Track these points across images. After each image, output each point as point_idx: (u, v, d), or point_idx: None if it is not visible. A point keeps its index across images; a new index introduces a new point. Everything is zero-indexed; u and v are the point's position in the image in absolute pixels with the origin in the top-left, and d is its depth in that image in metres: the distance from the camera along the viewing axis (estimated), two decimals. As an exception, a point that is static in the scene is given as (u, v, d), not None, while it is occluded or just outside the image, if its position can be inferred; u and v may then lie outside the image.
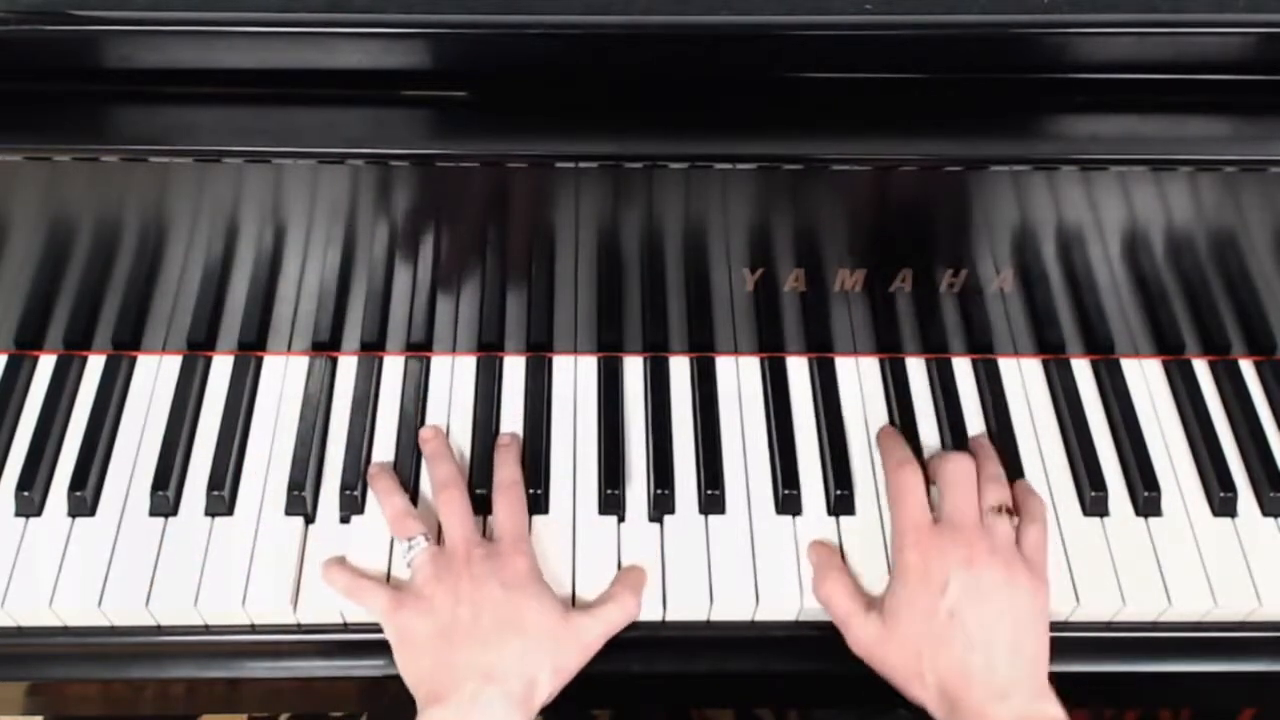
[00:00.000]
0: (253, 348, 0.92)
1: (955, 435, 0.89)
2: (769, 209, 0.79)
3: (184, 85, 0.75)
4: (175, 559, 0.81)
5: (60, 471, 0.86)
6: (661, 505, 0.84)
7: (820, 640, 0.81)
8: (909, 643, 0.74)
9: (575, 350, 0.92)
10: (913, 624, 0.74)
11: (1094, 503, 0.85)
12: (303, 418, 0.89)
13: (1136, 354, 0.94)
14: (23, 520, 0.83)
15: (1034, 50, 0.76)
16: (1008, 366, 0.93)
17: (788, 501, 0.84)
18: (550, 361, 0.92)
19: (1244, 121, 0.77)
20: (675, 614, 0.81)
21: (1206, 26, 0.74)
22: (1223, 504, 0.85)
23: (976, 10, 0.73)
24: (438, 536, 0.81)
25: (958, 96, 0.77)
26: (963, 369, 0.93)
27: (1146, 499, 0.85)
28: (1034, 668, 0.73)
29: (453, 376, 0.92)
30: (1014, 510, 0.79)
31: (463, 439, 0.88)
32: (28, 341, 0.91)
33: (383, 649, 0.77)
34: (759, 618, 0.81)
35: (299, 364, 0.92)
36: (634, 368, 0.92)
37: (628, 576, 0.80)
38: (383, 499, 0.83)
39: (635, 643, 0.81)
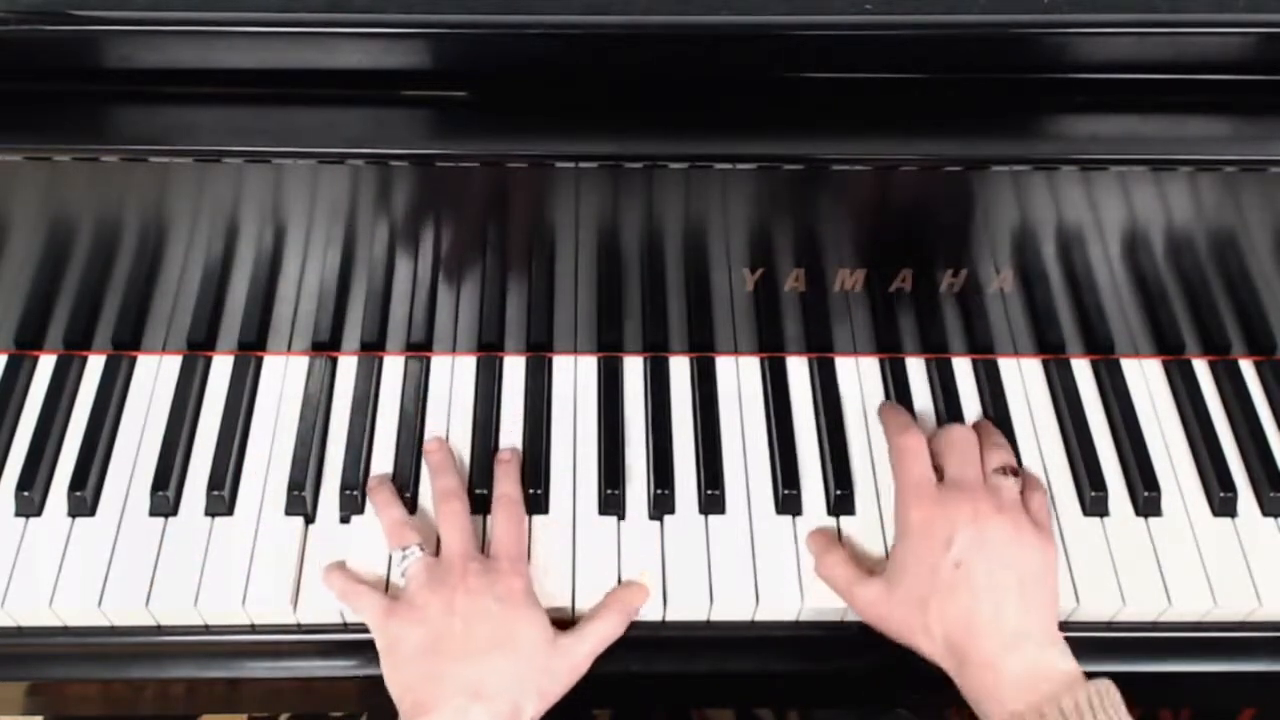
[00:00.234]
0: (253, 348, 0.92)
1: (955, 435, 0.89)
2: (769, 209, 0.79)
3: (184, 85, 0.75)
4: (175, 559, 0.81)
5: (60, 471, 0.86)
6: (661, 505, 0.84)
7: (820, 640, 0.82)
8: (915, 597, 0.73)
9: (575, 350, 0.92)
10: (918, 578, 0.73)
11: (1094, 503, 0.85)
12: (303, 418, 0.89)
13: (1136, 354, 0.94)
14: (23, 520, 0.83)
15: (1034, 50, 0.76)
16: (1008, 366, 0.93)
17: (788, 501, 0.84)
18: (550, 361, 0.92)
19: (1244, 121, 0.77)
20: (675, 614, 0.81)
21: (1206, 26, 0.74)
22: (1223, 504, 0.85)
23: (976, 10, 0.73)
24: (436, 549, 0.81)
25: (958, 96, 0.77)
26: (963, 369, 0.93)
27: (1146, 499, 0.85)
28: (1043, 618, 0.73)
29: (453, 376, 0.92)
30: (1018, 473, 0.79)
31: (463, 439, 0.88)
32: (28, 341, 0.91)
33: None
34: (759, 618, 0.81)
35: (299, 364, 0.92)
36: (634, 368, 0.92)
37: (621, 594, 0.80)
38: (380, 510, 0.83)
39: (635, 643, 0.81)
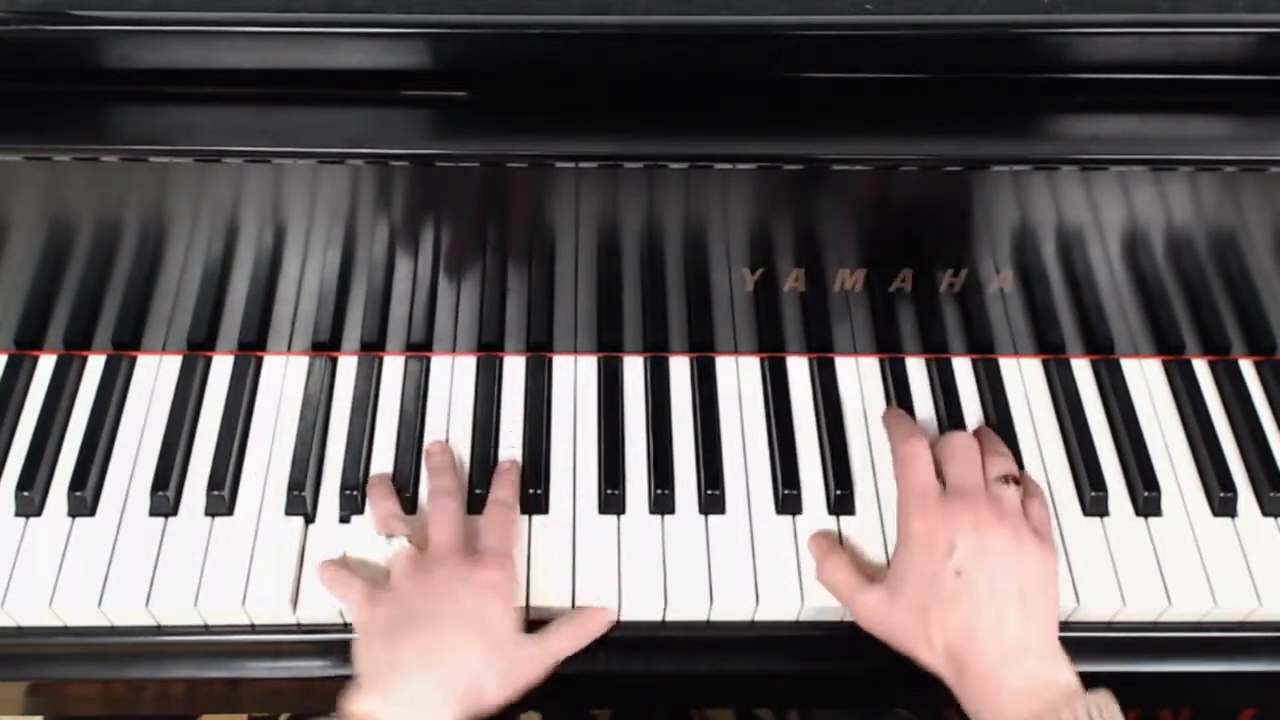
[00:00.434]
0: (253, 348, 0.92)
1: (955, 435, 0.89)
2: (769, 209, 0.79)
3: (184, 85, 0.75)
4: (175, 559, 0.81)
5: (60, 471, 0.86)
6: (661, 505, 0.84)
7: (820, 640, 0.82)
8: (916, 606, 0.73)
9: (575, 350, 0.92)
10: (920, 587, 0.73)
11: (1094, 503, 0.85)
12: (303, 418, 0.89)
13: (1136, 354, 0.94)
14: (23, 520, 0.83)
15: (1034, 50, 0.76)
16: (1008, 366, 0.93)
17: (788, 501, 0.84)
18: (550, 361, 0.92)
19: (1244, 121, 0.77)
20: (675, 614, 0.81)
21: (1206, 26, 0.74)
22: (1223, 504, 0.85)
23: (976, 10, 0.73)
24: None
25: (958, 96, 0.77)
26: (963, 369, 0.93)
27: (1146, 499, 0.85)
28: (1044, 629, 0.73)
29: (453, 376, 0.92)
30: (1020, 481, 0.79)
31: (463, 439, 0.88)
32: (28, 341, 0.91)
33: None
34: (759, 618, 0.81)
35: (299, 364, 0.92)
36: (634, 368, 0.92)
37: (582, 619, 0.79)
38: (374, 502, 0.83)
39: (635, 643, 0.81)
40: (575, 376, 0.92)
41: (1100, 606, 0.81)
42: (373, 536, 0.82)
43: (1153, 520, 0.85)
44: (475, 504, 0.84)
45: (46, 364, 0.91)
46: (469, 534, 0.81)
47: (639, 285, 0.86)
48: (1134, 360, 0.94)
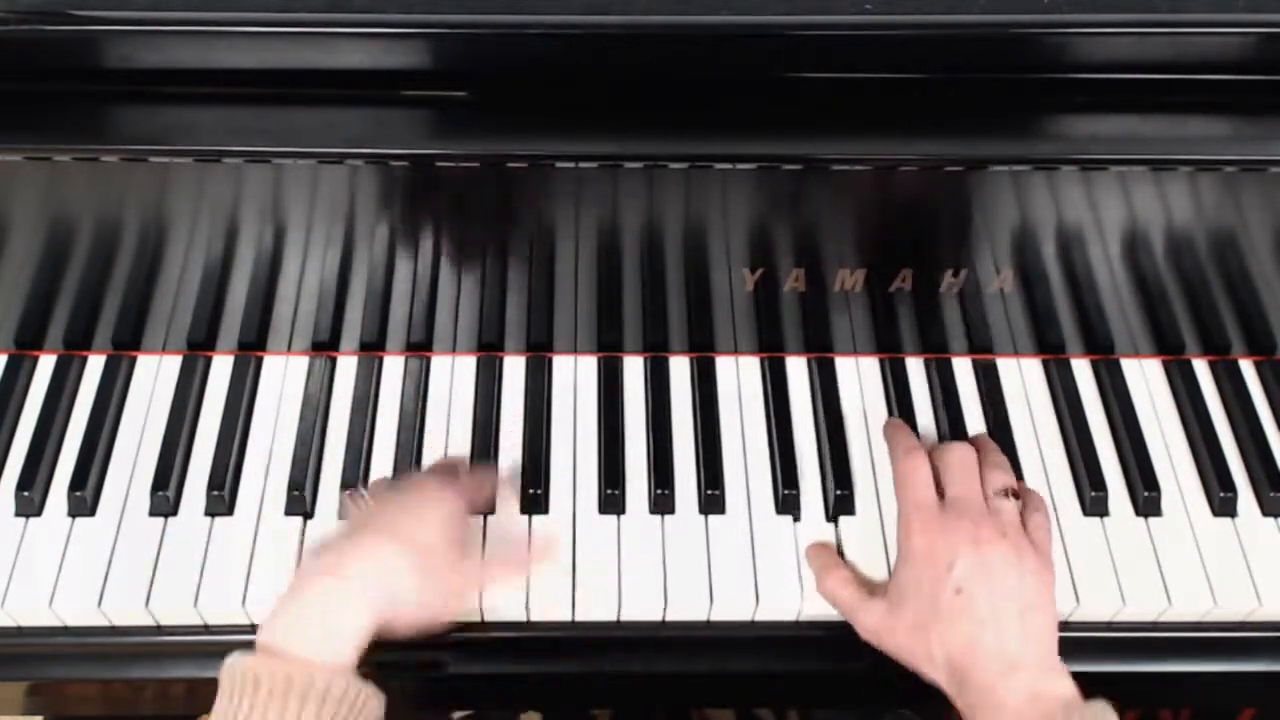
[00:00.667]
0: (253, 348, 0.92)
1: (955, 435, 0.89)
2: (769, 209, 0.79)
3: (184, 85, 0.75)
4: (175, 559, 0.81)
5: (60, 471, 0.86)
6: (661, 505, 0.84)
7: (820, 640, 0.81)
8: (917, 622, 0.73)
9: (575, 350, 0.92)
10: (920, 603, 0.73)
11: (1094, 503, 0.85)
12: (303, 418, 0.89)
13: (1136, 354, 0.94)
14: (23, 520, 0.83)
15: (1034, 50, 0.76)
16: (1008, 366, 0.93)
17: (788, 501, 0.84)
18: (550, 361, 0.92)
19: (1244, 121, 0.77)
20: (675, 614, 0.81)
21: (1206, 26, 0.74)
22: (1223, 504, 0.85)
23: (976, 10, 0.73)
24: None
25: (958, 96, 0.77)
26: (963, 369, 0.93)
27: (1146, 499, 0.85)
28: (1044, 643, 0.73)
29: (453, 376, 0.92)
30: (1019, 494, 0.79)
31: (463, 439, 0.88)
32: (28, 341, 0.91)
33: (381, 646, 0.77)
34: (759, 618, 0.81)
35: (299, 364, 0.92)
36: (634, 368, 0.92)
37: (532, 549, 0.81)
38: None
39: (635, 643, 0.81)
40: (575, 376, 0.92)
41: (1100, 606, 0.81)
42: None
43: (1153, 520, 0.85)
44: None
45: (46, 364, 0.91)
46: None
47: (639, 285, 0.86)
48: (1134, 360, 0.94)
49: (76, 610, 0.79)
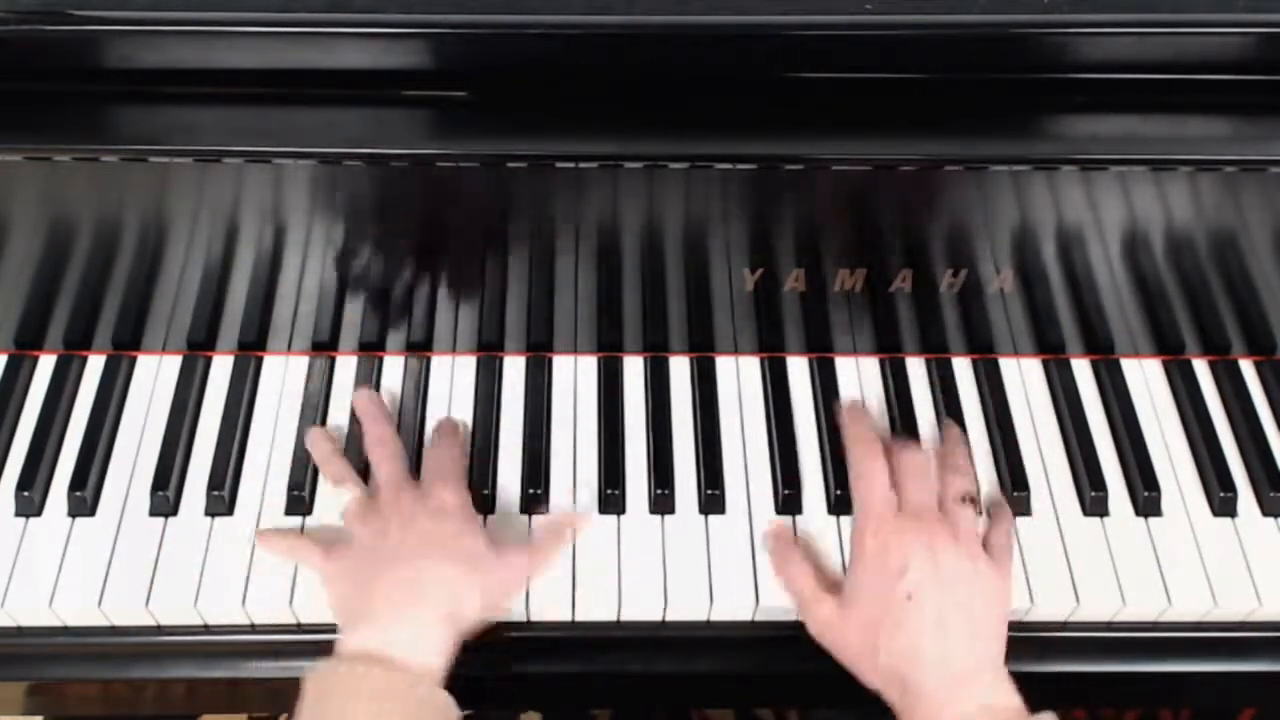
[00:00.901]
0: (253, 348, 0.92)
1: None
2: (769, 209, 0.79)
3: (184, 85, 0.75)
4: (175, 559, 0.81)
5: (60, 471, 0.86)
6: (661, 505, 0.84)
7: (820, 640, 0.81)
8: (865, 624, 0.73)
9: (575, 350, 0.92)
10: (870, 606, 0.73)
11: (1094, 503, 0.85)
12: (303, 418, 0.89)
13: (1136, 354, 0.94)
14: (23, 520, 0.83)
15: (1034, 50, 0.76)
16: (1008, 366, 0.93)
17: (788, 501, 0.84)
18: (550, 361, 0.92)
19: (1244, 121, 0.77)
20: (675, 614, 0.81)
21: (1206, 26, 0.74)
22: (1223, 504, 0.85)
23: (976, 10, 0.73)
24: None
25: (958, 96, 0.77)
26: (963, 369, 0.93)
27: (1146, 499, 0.85)
28: (991, 654, 0.73)
29: (453, 376, 0.92)
30: (977, 501, 0.79)
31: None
32: (28, 341, 0.91)
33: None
34: (759, 618, 0.81)
35: (299, 364, 0.92)
36: (634, 368, 0.92)
37: (555, 522, 0.82)
38: (323, 465, 0.83)
39: (635, 643, 0.81)
40: (575, 376, 0.92)
41: (1100, 606, 0.81)
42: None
43: (1153, 520, 0.85)
44: (479, 504, 0.83)
45: (46, 364, 0.91)
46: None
47: (639, 285, 0.86)
48: (1134, 360, 0.94)
49: (76, 610, 0.79)
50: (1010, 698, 0.70)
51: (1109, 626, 0.82)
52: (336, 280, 0.85)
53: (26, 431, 0.87)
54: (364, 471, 0.86)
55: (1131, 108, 0.77)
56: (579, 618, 0.80)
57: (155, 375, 0.91)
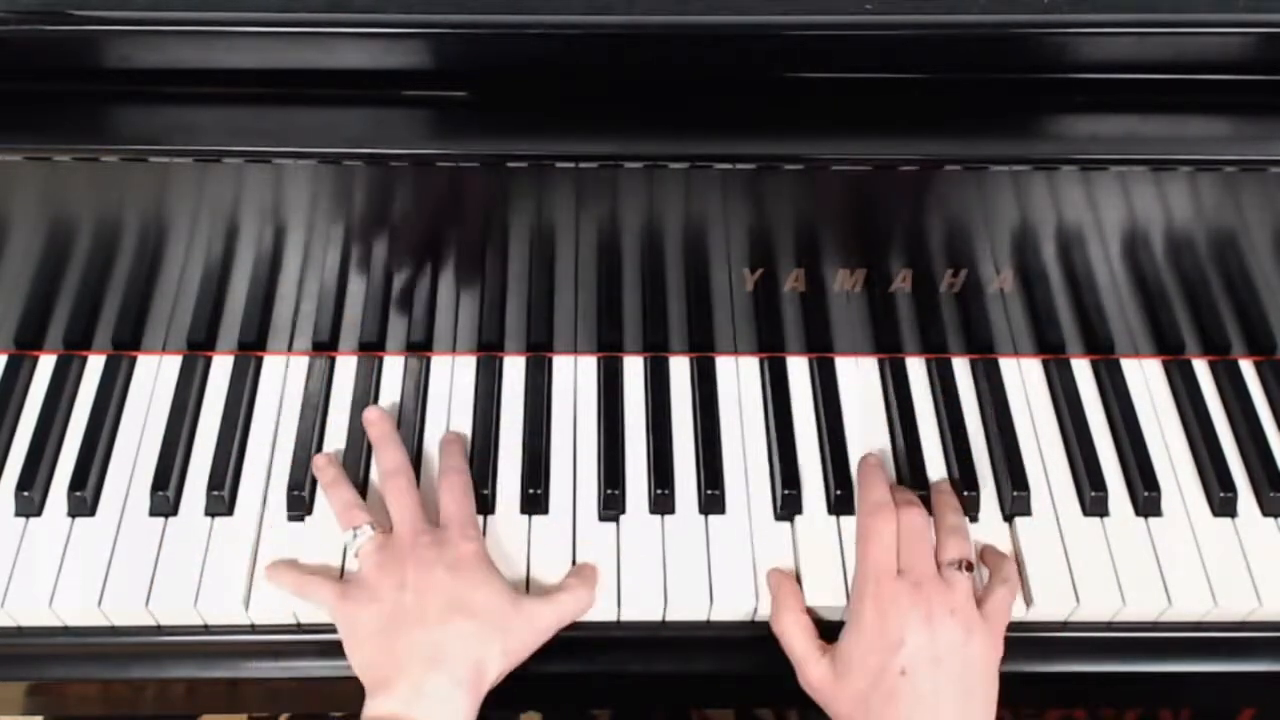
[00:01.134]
0: (253, 348, 0.92)
1: (955, 435, 0.89)
2: (769, 209, 0.79)
3: (184, 85, 0.75)
4: (175, 559, 0.81)
5: (60, 471, 0.86)
6: (661, 505, 0.84)
7: (820, 640, 0.81)
8: (858, 693, 0.73)
9: (575, 350, 0.92)
10: (864, 675, 0.73)
11: (1094, 503, 0.85)
12: (303, 418, 0.89)
13: (1136, 354, 0.94)
14: (23, 520, 0.83)
15: (1034, 50, 0.76)
16: (1008, 366, 0.93)
17: (788, 501, 0.84)
18: (550, 361, 0.92)
19: (1244, 121, 0.77)
20: (675, 614, 0.81)
21: (1206, 26, 0.74)
22: (1223, 504, 0.85)
23: (976, 10, 0.73)
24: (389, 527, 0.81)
25: (958, 96, 0.77)
26: (963, 369, 0.93)
27: (1146, 499, 0.85)
28: None
29: (453, 376, 0.92)
30: (972, 565, 0.78)
31: (463, 439, 0.88)
32: (28, 341, 0.91)
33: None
34: (759, 617, 0.81)
35: (299, 364, 0.92)
36: (634, 368, 0.92)
37: (583, 570, 0.81)
38: (329, 491, 0.83)
39: (635, 643, 0.81)
40: (575, 376, 0.92)
41: (1100, 606, 0.81)
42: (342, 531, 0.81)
43: (1153, 520, 0.85)
44: (481, 504, 0.84)
45: (46, 364, 0.91)
46: (428, 504, 0.81)
47: (639, 285, 0.86)
48: (1134, 360, 0.94)
49: (76, 610, 0.79)
50: None
51: (1109, 626, 0.82)
52: (336, 280, 0.85)
53: (26, 431, 0.87)
54: (364, 469, 0.86)
55: (1131, 108, 0.77)
56: (579, 618, 0.80)
57: (155, 375, 0.91)
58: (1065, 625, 0.82)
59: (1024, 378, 0.93)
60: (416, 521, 0.79)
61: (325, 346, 0.92)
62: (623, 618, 0.80)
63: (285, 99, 0.76)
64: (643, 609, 0.80)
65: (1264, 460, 0.88)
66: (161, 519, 0.83)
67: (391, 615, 0.74)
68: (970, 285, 0.85)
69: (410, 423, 0.89)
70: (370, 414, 0.87)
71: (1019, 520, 0.84)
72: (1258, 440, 0.89)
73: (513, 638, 0.75)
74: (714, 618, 0.81)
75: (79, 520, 0.83)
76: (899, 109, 0.76)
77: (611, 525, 0.84)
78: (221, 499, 0.83)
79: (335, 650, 0.81)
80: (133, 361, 0.92)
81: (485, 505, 0.84)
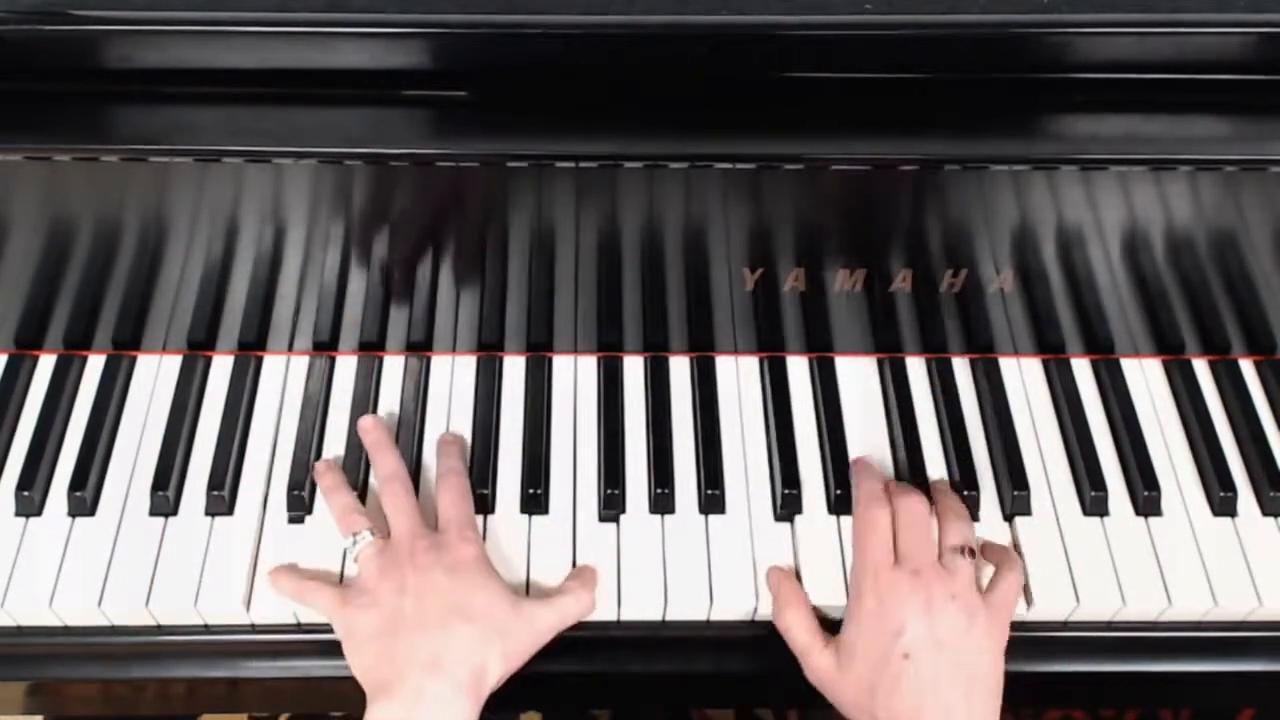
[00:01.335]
0: (253, 347, 0.92)
1: (955, 435, 0.89)
2: (769, 209, 0.79)
3: (184, 85, 0.75)
4: (175, 559, 0.81)
5: (60, 471, 0.86)
6: (661, 505, 0.84)
7: (820, 640, 0.81)
8: (862, 681, 0.73)
9: (575, 350, 0.92)
10: (867, 664, 0.73)
11: (1094, 503, 0.85)
12: (303, 417, 0.89)
13: (1136, 354, 0.94)
14: (23, 520, 0.83)
15: (1034, 50, 0.76)
16: (1008, 366, 0.93)
17: (788, 501, 0.84)
18: (550, 361, 0.92)
19: (1244, 121, 0.77)
20: (675, 614, 0.81)
21: (1206, 26, 0.74)
22: (1223, 504, 0.85)
23: (976, 10, 0.73)
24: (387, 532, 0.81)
25: (958, 96, 0.77)
26: (963, 369, 0.93)
27: (1146, 499, 0.85)
28: (987, 712, 0.73)
29: (453, 376, 0.92)
30: (974, 551, 0.77)
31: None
32: (28, 341, 0.91)
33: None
34: (759, 617, 0.81)
35: (299, 364, 0.92)
36: (634, 367, 0.92)
37: (583, 573, 0.80)
38: (328, 496, 0.82)
39: (635, 643, 0.81)
40: (575, 376, 0.92)
41: (1100, 606, 0.81)
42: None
43: (1153, 520, 0.85)
44: (480, 504, 0.84)
45: (46, 364, 0.91)
46: (427, 508, 0.81)
47: (639, 285, 0.86)
48: (1134, 360, 0.94)
49: (76, 610, 0.79)
50: None
51: (1109, 626, 0.82)
52: (336, 280, 0.85)
53: (26, 431, 0.87)
54: (364, 472, 0.86)
55: (1131, 108, 0.77)
56: (579, 620, 0.80)
57: (155, 375, 0.91)
58: (1065, 625, 0.82)
59: (1024, 377, 0.93)
60: (414, 525, 0.79)
61: (325, 346, 0.92)
62: (623, 617, 0.80)
63: (285, 99, 0.76)
64: (643, 608, 0.80)
65: (1264, 460, 0.88)
66: (161, 519, 0.83)
67: (391, 620, 0.74)
68: (970, 285, 0.85)
69: (410, 423, 0.89)
70: (365, 422, 0.87)
71: (1019, 520, 0.85)
72: (1258, 440, 0.89)
73: (513, 641, 0.74)
74: (714, 617, 0.81)
75: (79, 520, 0.83)
76: (899, 109, 0.76)
77: (611, 525, 0.84)
78: (222, 499, 0.83)
79: (335, 650, 0.81)
80: (133, 361, 0.92)
81: (485, 505, 0.84)
